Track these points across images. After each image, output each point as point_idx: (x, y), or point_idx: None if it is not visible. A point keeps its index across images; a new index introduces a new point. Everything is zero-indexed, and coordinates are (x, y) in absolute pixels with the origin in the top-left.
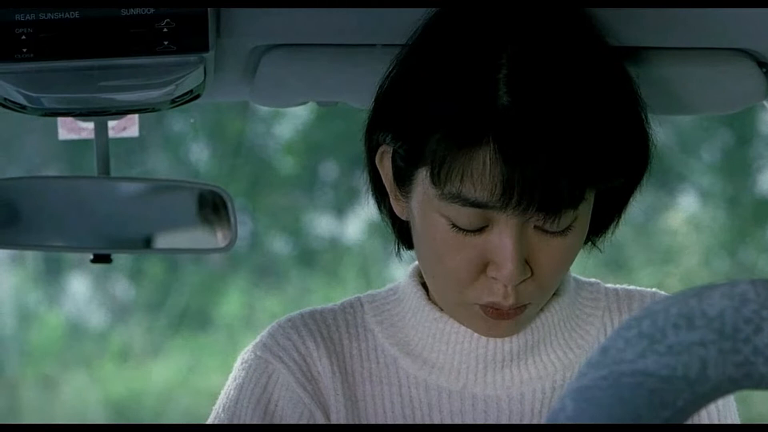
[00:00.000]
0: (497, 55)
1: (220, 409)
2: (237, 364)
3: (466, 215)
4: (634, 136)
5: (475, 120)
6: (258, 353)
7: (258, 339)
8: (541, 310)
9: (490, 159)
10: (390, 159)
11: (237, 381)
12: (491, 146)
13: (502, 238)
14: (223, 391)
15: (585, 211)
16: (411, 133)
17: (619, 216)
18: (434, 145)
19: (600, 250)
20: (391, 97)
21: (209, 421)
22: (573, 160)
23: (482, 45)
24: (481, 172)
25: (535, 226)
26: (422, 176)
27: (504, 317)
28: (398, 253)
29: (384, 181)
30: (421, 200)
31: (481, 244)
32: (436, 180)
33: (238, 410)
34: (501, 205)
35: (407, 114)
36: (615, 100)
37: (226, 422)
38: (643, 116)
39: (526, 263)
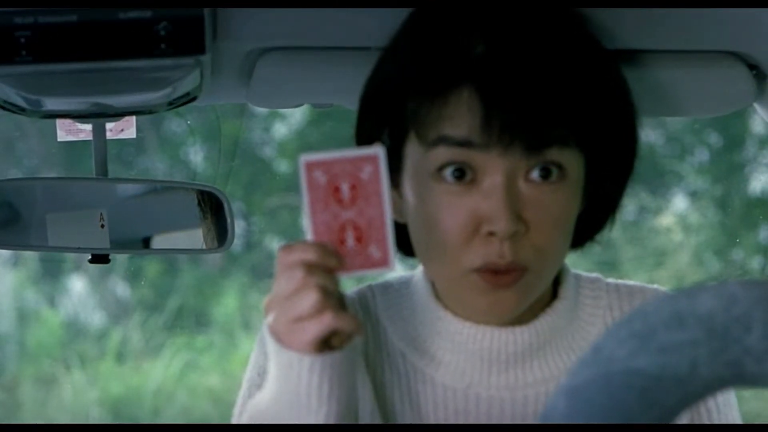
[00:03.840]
0: (474, 21)
1: (255, 376)
2: (260, 336)
3: (454, 158)
4: (609, 83)
5: (451, 65)
6: None
7: None
8: (544, 311)
9: (469, 99)
10: None
11: (264, 349)
12: (469, 89)
13: (492, 187)
14: (251, 362)
15: (574, 166)
16: (392, 95)
17: (614, 210)
18: (414, 103)
19: (599, 243)
20: (373, 91)
21: (243, 389)
22: (550, 96)
23: (458, 18)
24: (461, 112)
25: (525, 179)
26: (410, 148)
27: (502, 284)
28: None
29: None
30: (412, 174)
31: (473, 200)
32: (421, 131)
33: None
34: (483, 142)
35: (389, 78)
36: (587, 52)
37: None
38: (620, 71)
39: (520, 218)
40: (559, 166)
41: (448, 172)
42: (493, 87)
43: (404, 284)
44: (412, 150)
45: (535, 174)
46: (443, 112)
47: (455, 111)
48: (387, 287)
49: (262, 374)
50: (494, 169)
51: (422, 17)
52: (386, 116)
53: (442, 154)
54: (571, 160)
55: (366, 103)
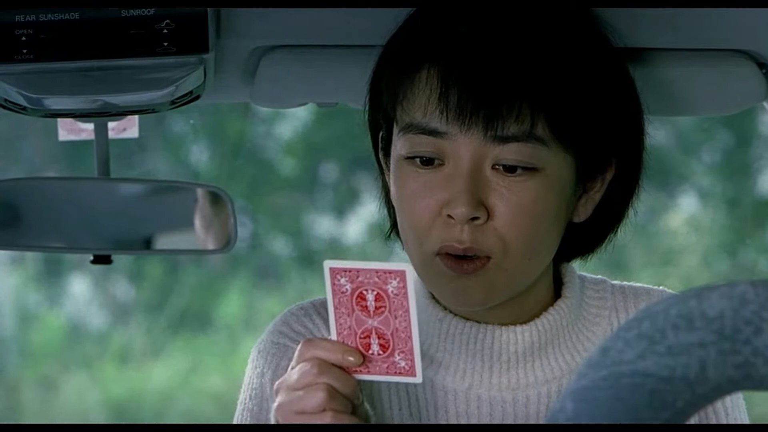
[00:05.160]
0: (457, 16)
1: (247, 399)
2: (254, 355)
3: (421, 148)
4: (603, 80)
5: (415, 47)
6: (275, 340)
7: (271, 327)
8: (547, 311)
9: (428, 78)
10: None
11: (258, 369)
12: (430, 67)
13: (455, 171)
14: (244, 383)
15: (549, 164)
16: (378, 90)
17: (620, 215)
18: (388, 88)
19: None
20: (370, 81)
21: (237, 413)
22: (510, 74)
23: (444, 15)
24: (422, 92)
25: (492, 168)
26: (394, 132)
27: (464, 271)
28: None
29: (384, 173)
30: (395, 159)
31: (437, 184)
32: (395, 114)
33: (266, 396)
34: (444, 124)
35: (375, 81)
36: (576, 46)
37: (255, 411)
38: (622, 72)
39: (481, 204)
40: (527, 162)
41: (416, 159)
42: (452, 63)
43: None
44: (395, 134)
45: (500, 165)
46: (408, 93)
47: (418, 90)
48: None
49: (254, 398)
50: (459, 153)
51: (417, 11)
52: (378, 103)
53: (411, 141)
54: (545, 158)
55: (369, 91)
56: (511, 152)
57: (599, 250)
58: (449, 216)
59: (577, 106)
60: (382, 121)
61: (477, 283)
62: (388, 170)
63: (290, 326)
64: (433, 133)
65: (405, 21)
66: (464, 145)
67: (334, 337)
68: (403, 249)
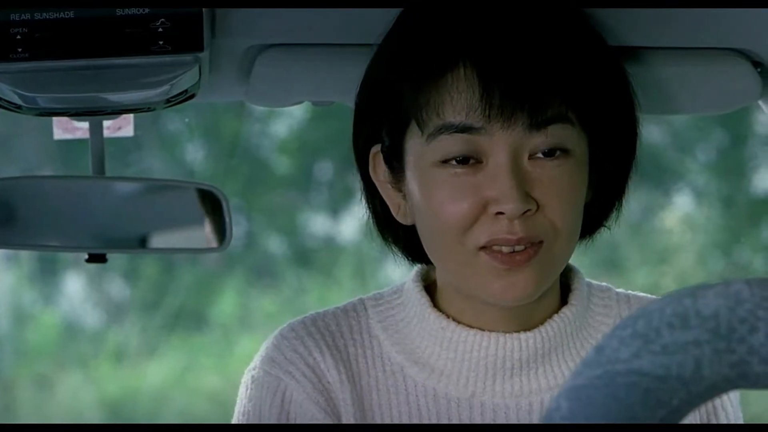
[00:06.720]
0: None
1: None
2: (247, 382)
3: (457, 147)
4: (606, 65)
5: (447, 43)
6: (267, 369)
7: (263, 353)
8: (552, 318)
9: (467, 76)
10: (381, 159)
11: (252, 402)
12: (465, 66)
13: (497, 167)
14: (237, 409)
15: (577, 145)
16: (389, 96)
17: (620, 198)
18: (412, 91)
19: (608, 228)
20: (368, 90)
21: None
22: (549, 69)
23: (451, 15)
24: (461, 90)
25: (529, 157)
26: (411, 141)
27: (516, 263)
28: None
29: (380, 188)
30: (415, 166)
31: (479, 182)
32: (421, 120)
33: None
34: (484, 122)
35: (384, 69)
36: (586, 36)
37: None
38: (617, 60)
39: (529, 196)
40: (563, 143)
41: (452, 160)
42: (491, 61)
43: (396, 295)
44: (414, 143)
45: (539, 152)
46: (442, 95)
47: (454, 92)
48: (378, 298)
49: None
50: (498, 148)
51: (415, 11)
52: (384, 111)
53: (445, 143)
54: (574, 138)
55: (362, 102)
56: (548, 137)
57: (602, 227)
58: (498, 212)
59: (592, 88)
60: (385, 134)
61: (527, 275)
62: (400, 193)
63: (282, 353)
64: (469, 130)
65: (401, 26)
66: (503, 139)
67: None
68: (432, 258)
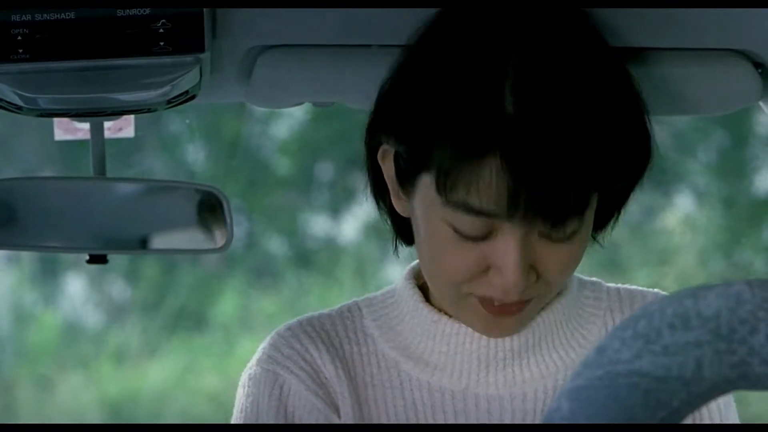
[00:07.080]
0: (503, 61)
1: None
2: (244, 381)
3: (470, 223)
4: (636, 138)
5: (482, 130)
6: (264, 366)
7: (260, 352)
8: (543, 308)
9: (496, 170)
10: (392, 159)
11: (251, 398)
12: (498, 157)
13: (507, 246)
14: (236, 409)
15: (589, 215)
16: (415, 138)
17: (619, 212)
18: (439, 154)
19: (601, 245)
20: (395, 99)
21: None
22: (579, 169)
23: (487, 50)
24: (488, 182)
25: (539, 233)
26: (426, 182)
27: (506, 312)
28: (396, 251)
29: (386, 178)
30: (424, 204)
31: (485, 250)
32: (441, 189)
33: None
34: (507, 216)
35: (411, 119)
36: (619, 104)
37: None
38: (646, 117)
39: (532, 268)
40: (577, 229)
41: (464, 229)
42: (522, 158)
43: (389, 295)
44: (428, 188)
45: (552, 234)
46: (471, 178)
47: (481, 180)
48: (372, 300)
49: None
50: (512, 232)
51: (451, 40)
52: (407, 142)
53: (461, 219)
54: (589, 212)
55: (382, 114)
56: (565, 229)
57: (595, 239)
58: (499, 279)
59: (618, 176)
60: (403, 152)
61: (515, 319)
62: (404, 196)
63: (279, 350)
64: (490, 215)
65: (433, 63)
66: (519, 227)
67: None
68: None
